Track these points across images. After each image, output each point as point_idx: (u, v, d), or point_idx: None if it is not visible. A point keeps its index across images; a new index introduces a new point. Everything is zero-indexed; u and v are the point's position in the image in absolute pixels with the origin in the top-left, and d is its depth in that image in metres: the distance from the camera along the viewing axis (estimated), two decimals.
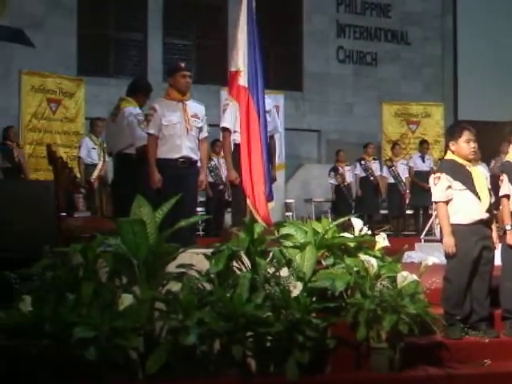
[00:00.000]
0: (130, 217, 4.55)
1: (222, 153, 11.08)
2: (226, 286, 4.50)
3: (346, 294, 4.71)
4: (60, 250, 4.63)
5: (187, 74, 7.11)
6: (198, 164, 7.18)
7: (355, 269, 4.75)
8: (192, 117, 7.07)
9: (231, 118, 7.06)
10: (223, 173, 12.36)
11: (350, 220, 5.28)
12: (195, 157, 7.09)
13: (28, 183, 9.23)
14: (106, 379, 4.08)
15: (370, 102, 16.69)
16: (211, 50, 16.08)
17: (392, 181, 14.03)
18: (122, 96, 7.81)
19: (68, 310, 4.14)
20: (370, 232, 5.22)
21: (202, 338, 4.19)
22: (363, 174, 13.96)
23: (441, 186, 5.41)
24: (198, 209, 10.28)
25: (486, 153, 11.18)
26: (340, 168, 14.16)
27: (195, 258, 4.69)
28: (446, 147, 5.69)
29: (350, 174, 14.17)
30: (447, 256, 5.40)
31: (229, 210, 11.95)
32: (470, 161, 5.48)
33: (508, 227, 5.50)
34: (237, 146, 6.83)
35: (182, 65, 7.24)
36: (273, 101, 8.16)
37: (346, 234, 5.08)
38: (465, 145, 5.45)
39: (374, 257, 4.86)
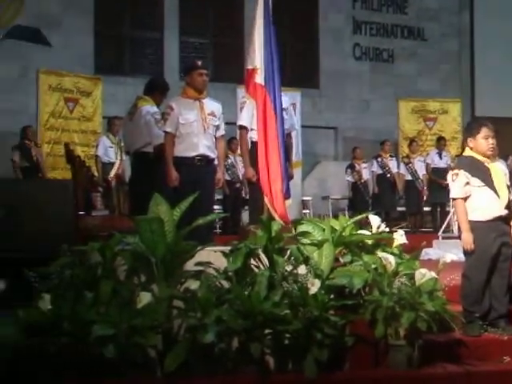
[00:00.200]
0: (147, 215, 4.57)
1: (238, 151, 11.11)
2: (244, 284, 4.49)
3: (363, 291, 4.69)
4: (78, 249, 4.64)
5: (204, 72, 7.12)
6: (215, 162, 7.19)
7: (373, 266, 4.74)
8: (209, 115, 7.08)
9: (248, 115, 7.05)
10: (240, 171, 12.38)
11: (367, 217, 5.27)
12: (212, 155, 7.10)
13: (46, 182, 9.29)
14: (125, 377, 4.09)
15: (386, 99, 16.62)
16: (228, 48, 16.09)
17: (409, 178, 14.01)
18: (139, 95, 7.83)
19: (87, 308, 4.16)
20: (387, 229, 5.20)
21: (220, 335, 4.19)
22: (380, 171, 13.95)
23: (459, 183, 5.38)
24: (215, 207, 10.31)
25: (504, 149, 11.10)
26: (357, 165, 14.14)
27: (213, 256, 4.69)
28: (463, 144, 5.67)
29: (367, 171, 14.14)
30: (466, 253, 5.38)
31: (246, 207, 11.96)
32: (488, 157, 5.45)
33: None
34: (254, 143, 6.83)
35: (199, 63, 7.25)
36: (289, 98, 8.16)
37: (364, 232, 5.07)
38: (483, 141, 5.42)
39: (392, 254, 4.85)
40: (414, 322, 4.48)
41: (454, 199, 5.53)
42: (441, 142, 14.32)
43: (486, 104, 16.96)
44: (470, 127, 5.67)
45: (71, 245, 4.70)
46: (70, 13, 14.50)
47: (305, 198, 14.67)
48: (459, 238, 5.49)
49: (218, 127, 7.19)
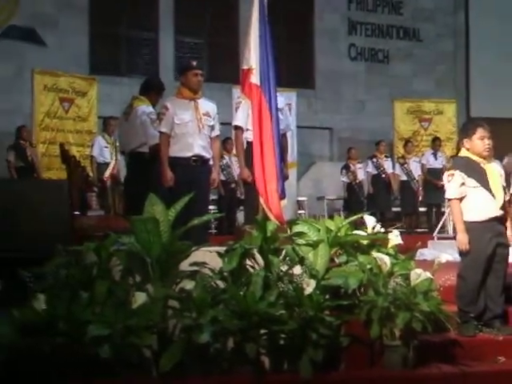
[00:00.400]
0: (142, 215, 4.57)
1: (233, 151, 11.09)
2: (239, 284, 4.49)
3: (359, 291, 4.70)
4: (73, 249, 4.64)
5: (199, 72, 7.11)
6: (210, 162, 7.19)
7: (368, 266, 4.74)
8: (204, 115, 7.08)
9: (243, 116, 7.05)
10: (235, 171, 12.37)
11: (362, 218, 5.28)
12: (207, 155, 7.10)
13: (41, 182, 9.27)
14: (120, 377, 4.09)
15: (382, 100, 16.64)
16: (223, 48, 16.09)
17: (405, 178, 14.02)
18: (134, 95, 7.83)
19: (82, 308, 4.15)
20: (382, 229, 5.20)
21: (216, 335, 4.19)
22: (375, 172, 13.96)
23: (454, 183, 5.39)
24: (211, 207, 10.30)
25: (499, 150, 11.08)
26: (352, 166, 14.14)
27: (208, 256, 4.69)
28: (458, 144, 5.67)
29: (362, 171, 14.15)
30: (461, 253, 5.38)
31: (241, 208, 11.97)
32: (484, 158, 5.45)
33: None
34: (249, 144, 6.83)
35: (194, 63, 7.25)
36: (285, 99, 8.15)
37: (359, 232, 5.07)
38: (479, 142, 5.42)
39: (387, 254, 4.85)
40: (409, 323, 4.48)
41: (449, 200, 5.54)
42: (436, 143, 14.35)
43: (482, 105, 16.98)
44: (466, 128, 5.67)
45: (66, 245, 4.70)
46: (65, 13, 14.49)
47: (300, 199, 14.68)
48: (454, 238, 5.50)
49: (212, 127, 7.19)
